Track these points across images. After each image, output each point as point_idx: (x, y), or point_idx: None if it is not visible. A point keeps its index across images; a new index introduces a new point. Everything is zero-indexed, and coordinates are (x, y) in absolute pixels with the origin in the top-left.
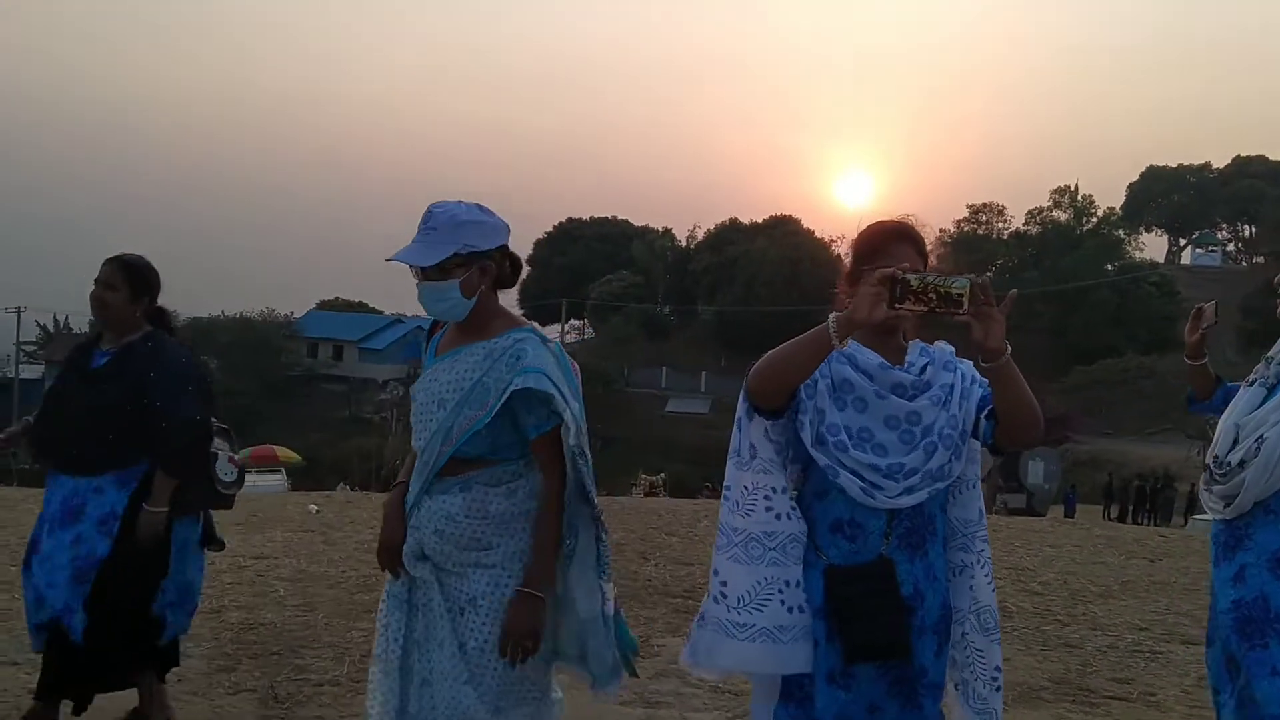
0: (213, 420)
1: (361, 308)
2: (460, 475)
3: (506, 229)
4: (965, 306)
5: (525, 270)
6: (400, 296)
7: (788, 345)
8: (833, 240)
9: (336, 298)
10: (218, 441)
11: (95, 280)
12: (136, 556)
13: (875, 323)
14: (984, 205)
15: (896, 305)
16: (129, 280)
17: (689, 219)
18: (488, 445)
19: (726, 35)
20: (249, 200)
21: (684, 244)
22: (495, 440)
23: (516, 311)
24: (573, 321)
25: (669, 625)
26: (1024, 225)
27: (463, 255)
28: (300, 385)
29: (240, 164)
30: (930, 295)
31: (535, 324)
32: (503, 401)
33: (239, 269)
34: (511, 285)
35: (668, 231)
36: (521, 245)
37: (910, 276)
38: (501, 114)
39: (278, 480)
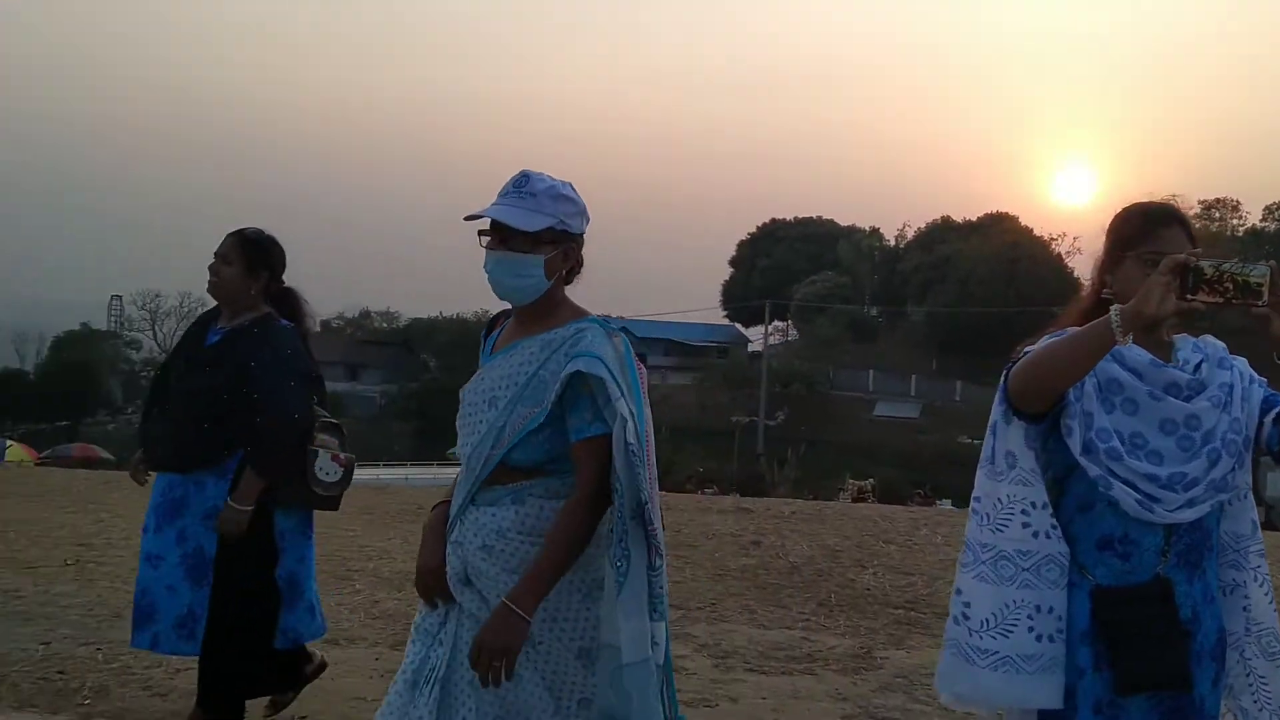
0: (320, 415)
1: None
2: (512, 484)
3: (589, 219)
4: (1265, 297)
5: (727, 274)
6: (605, 298)
7: (1062, 342)
8: (1052, 238)
9: None
10: (324, 438)
11: (214, 253)
12: (243, 558)
13: (1165, 316)
14: (1217, 201)
15: (1189, 296)
16: (245, 255)
17: (898, 217)
18: (544, 451)
19: (935, 30)
20: (463, 205)
21: (892, 243)
22: (553, 447)
23: (720, 314)
24: (776, 323)
25: (891, 637)
26: (1261, 222)
27: (556, 231)
28: None
29: (455, 168)
30: (1226, 285)
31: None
32: (558, 392)
33: (456, 272)
34: (570, 281)
35: (875, 231)
36: (724, 246)
37: (1204, 264)
38: (704, 113)
39: (446, 474)
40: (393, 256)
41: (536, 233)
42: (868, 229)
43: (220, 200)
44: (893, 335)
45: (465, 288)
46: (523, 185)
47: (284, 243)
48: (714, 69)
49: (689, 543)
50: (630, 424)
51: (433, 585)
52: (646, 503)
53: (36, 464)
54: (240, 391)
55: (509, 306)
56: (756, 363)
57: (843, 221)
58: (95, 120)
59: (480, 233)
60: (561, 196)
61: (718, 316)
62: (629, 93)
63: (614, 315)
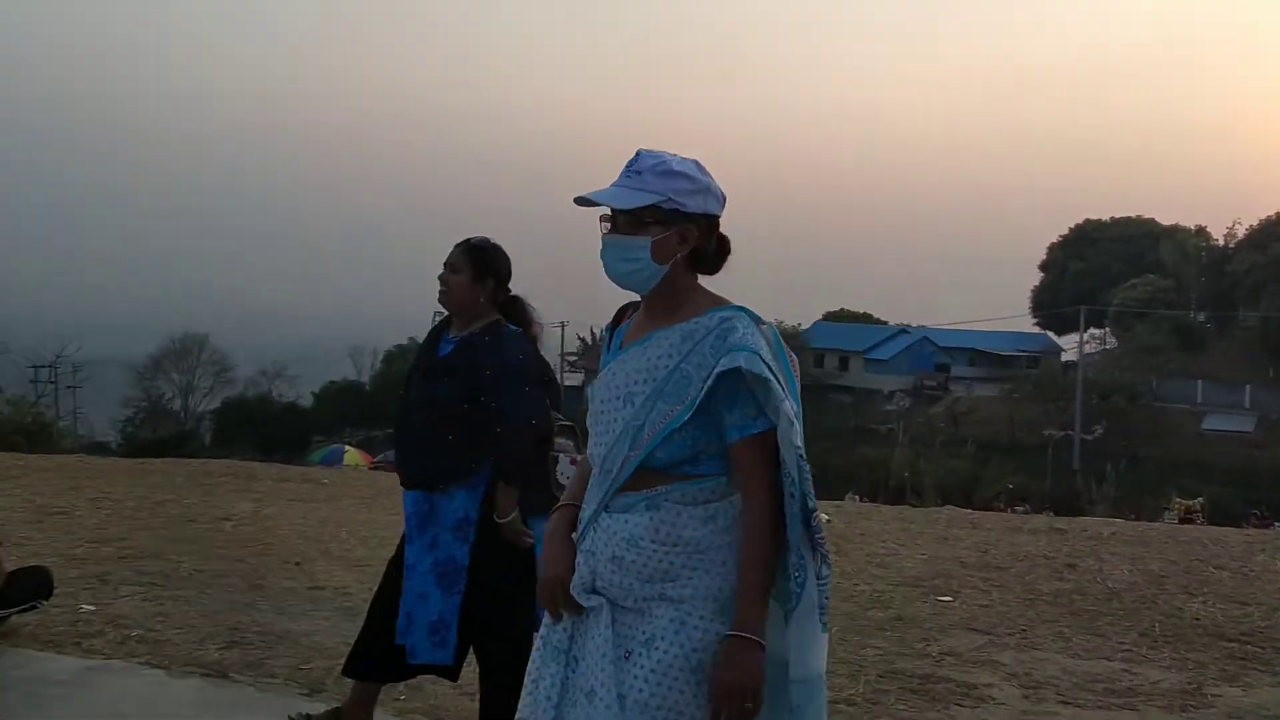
0: (557, 418)
1: (866, 318)
2: (648, 490)
3: (721, 199)
4: None
5: (1037, 279)
6: (905, 307)
7: None
8: None
9: (842, 309)
10: (561, 441)
11: (444, 263)
12: (495, 563)
13: None
14: None
15: None
16: (472, 263)
17: (1227, 214)
18: (687, 450)
19: (1260, 5)
20: (748, 217)
21: (1221, 243)
22: (696, 444)
23: (1029, 321)
24: (1092, 331)
25: (1224, 672)
26: None
27: (663, 210)
28: (809, 395)
29: (739, 181)
30: None
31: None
32: (708, 388)
33: (754, 281)
34: (713, 270)
35: (1201, 230)
36: (1033, 249)
37: None
38: (1007, 111)
39: None
40: None
41: (637, 211)
42: (1193, 228)
43: (510, 215)
44: (1223, 342)
45: (755, 298)
46: (630, 165)
47: (574, 259)
48: (1015, 65)
49: (997, 564)
50: (798, 426)
51: (559, 596)
52: (815, 509)
53: (370, 468)
54: (478, 400)
55: (637, 298)
56: (1071, 373)
57: (1164, 220)
58: (409, 147)
59: (601, 219)
60: (672, 173)
61: (1027, 324)
62: (922, 95)
63: (913, 325)
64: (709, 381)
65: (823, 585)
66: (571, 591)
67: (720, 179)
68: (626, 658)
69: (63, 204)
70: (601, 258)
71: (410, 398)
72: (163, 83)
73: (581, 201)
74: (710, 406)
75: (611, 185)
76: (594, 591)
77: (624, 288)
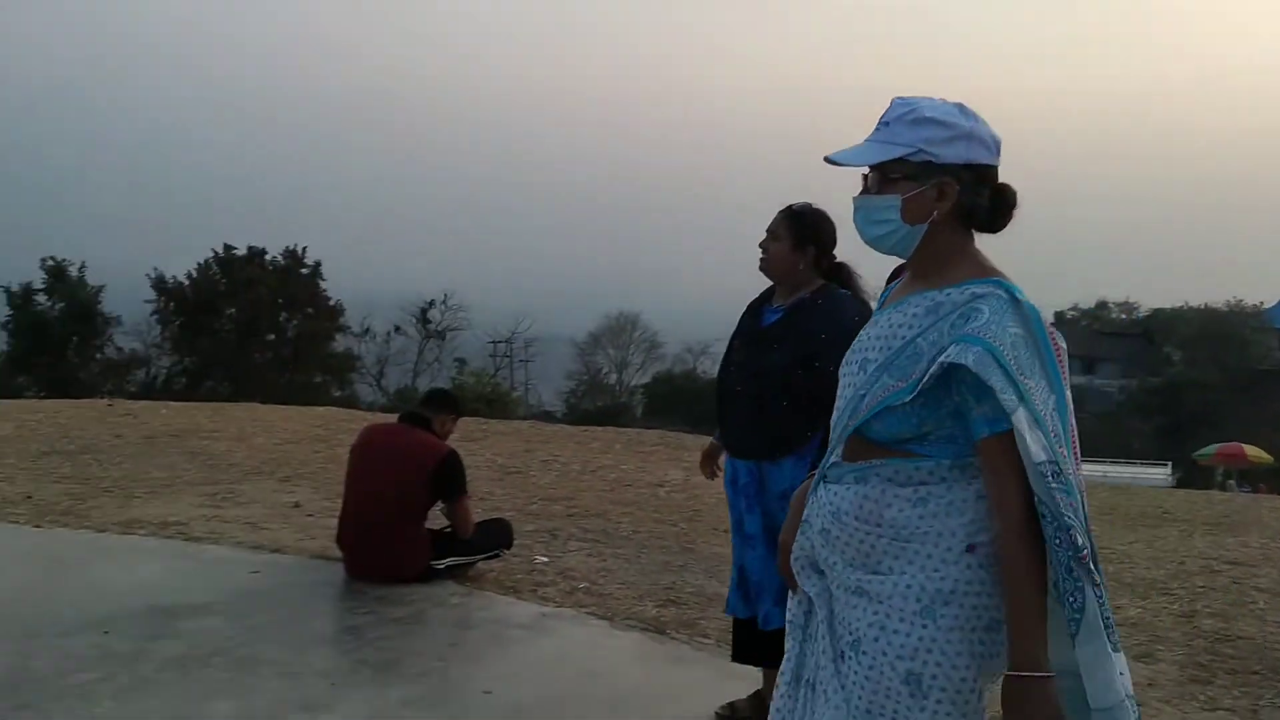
0: None
1: None
2: (861, 462)
3: (992, 144)
4: None
5: None
6: None
7: None
8: None
9: None
10: None
11: (766, 230)
12: None
13: None
14: None
15: None
16: (793, 229)
17: None
18: (911, 429)
19: None
20: (1218, 178)
21: None
22: (923, 424)
23: None
24: None
25: None
26: None
27: (913, 163)
28: (1271, 380)
29: (1233, 138)
30: None
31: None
32: (930, 376)
33: (1204, 258)
34: (993, 228)
35: None
36: None
37: None
38: None
39: (1160, 475)
40: (1133, 243)
41: (883, 167)
42: None
43: None
44: None
45: (1214, 274)
46: (882, 116)
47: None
48: None
49: None
50: (1042, 432)
51: (790, 567)
52: (1072, 526)
53: None
54: (811, 366)
55: None
56: None
57: None
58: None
59: (863, 178)
60: (923, 120)
61: None
62: None
63: None
64: (933, 369)
65: (1102, 603)
66: (792, 564)
67: (1169, 148)
68: (841, 658)
69: (515, 198)
70: (854, 222)
71: (734, 369)
72: (615, 86)
73: (831, 162)
74: (948, 389)
75: (864, 140)
76: (817, 569)
77: (881, 252)
